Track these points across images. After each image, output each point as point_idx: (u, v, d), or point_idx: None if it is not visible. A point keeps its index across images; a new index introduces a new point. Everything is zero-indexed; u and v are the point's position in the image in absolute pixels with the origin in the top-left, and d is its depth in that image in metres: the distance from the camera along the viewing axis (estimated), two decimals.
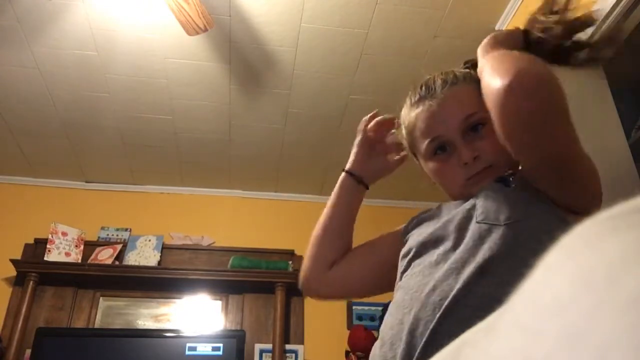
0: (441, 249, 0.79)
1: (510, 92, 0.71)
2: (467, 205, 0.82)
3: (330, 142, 3.13)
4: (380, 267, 1.01)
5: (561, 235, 0.73)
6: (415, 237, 0.88)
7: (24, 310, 2.91)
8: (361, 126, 1.07)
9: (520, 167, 0.85)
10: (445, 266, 0.75)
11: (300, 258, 3.44)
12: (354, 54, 2.50)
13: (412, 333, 0.71)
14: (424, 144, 0.89)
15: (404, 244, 0.92)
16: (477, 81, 0.86)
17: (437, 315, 0.69)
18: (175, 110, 2.87)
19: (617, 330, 0.19)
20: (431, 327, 0.69)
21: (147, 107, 2.84)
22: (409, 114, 0.92)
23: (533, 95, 0.71)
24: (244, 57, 2.51)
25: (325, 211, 1.08)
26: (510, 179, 0.82)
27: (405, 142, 0.97)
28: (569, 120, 0.75)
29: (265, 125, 3.00)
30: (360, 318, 3.30)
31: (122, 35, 2.38)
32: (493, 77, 0.75)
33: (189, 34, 2.13)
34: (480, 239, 0.75)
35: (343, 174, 1.07)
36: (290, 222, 3.57)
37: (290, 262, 3.33)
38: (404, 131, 0.96)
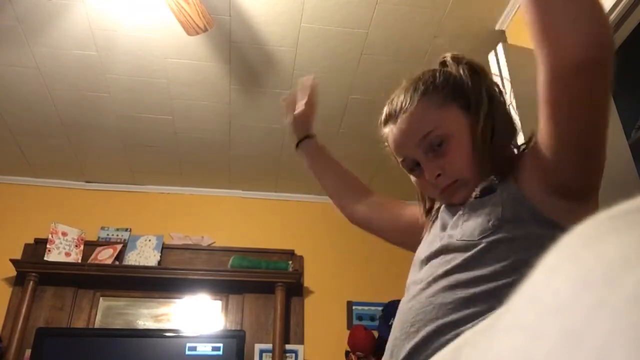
0: (427, 269, 0.82)
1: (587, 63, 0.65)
2: (454, 219, 0.85)
3: (330, 142, 3.11)
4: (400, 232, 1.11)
5: (537, 242, 0.70)
6: (418, 248, 0.92)
7: (24, 310, 2.91)
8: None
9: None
10: (424, 284, 0.79)
11: (301, 258, 3.45)
12: (354, 54, 2.50)
13: (392, 355, 0.77)
14: (399, 161, 0.94)
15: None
16: (440, 90, 0.88)
17: (408, 338, 0.74)
18: (175, 110, 2.87)
19: (617, 330, 0.19)
20: (403, 348, 0.74)
21: (147, 107, 2.84)
22: (383, 131, 0.96)
23: (606, 67, 0.67)
24: (244, 57, 2.51)
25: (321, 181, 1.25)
26: (497, 182, 0.83)
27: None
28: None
29: (265, 125, 3.00)
30: (360, 318, 3.30)
31: (122, 35, 2.38)
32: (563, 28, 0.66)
33: (189, 34, 2.13)
34: (461, 260, 0.77)
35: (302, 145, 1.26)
36: (290, 222, 3.57)
37: (290, 262, 3.33)
38: None
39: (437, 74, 0.91)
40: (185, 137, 3.09)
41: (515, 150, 0.90)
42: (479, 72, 0.91)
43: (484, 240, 0.76)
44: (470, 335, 0.31)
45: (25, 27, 2.34)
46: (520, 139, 0.93)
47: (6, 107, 2.84)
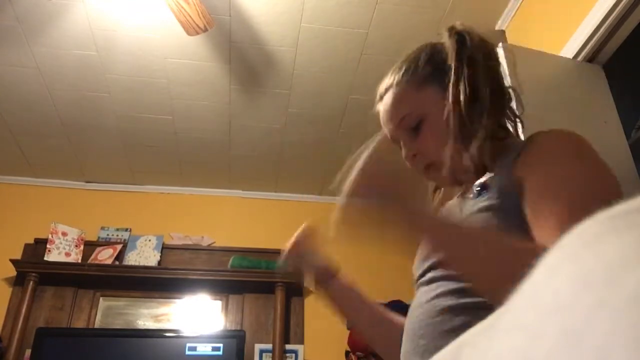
0: (430, 272, 0.81)
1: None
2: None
3: (330, 142, 3.13)
4: None
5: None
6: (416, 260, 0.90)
7: (24, 310, 2.91)
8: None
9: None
10: (426, 287, 0.79)
11: None
12: (354, 54, 2.50)
13: None
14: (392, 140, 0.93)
15: None
16: (421, 70, 0.85)
17: (417, 352, 0.74)
18: (175, 110, 2.87)
19: (617, 330, 0.19)
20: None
21: (147, 107, 2.84)
22: (377, 108, 0.95)
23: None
24: (244, 57, 2.51)
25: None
26: (490, 179, 0.78)
27: None
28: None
29: (265, 125, 3.00)
30: None
31: (122, 35, 2.38)
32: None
33: (189, 34, 2.13)
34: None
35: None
36: (290, 222, 3.54)
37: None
38: None
39: (424, 52, 0.88)
40: (185, 137, 3.09)
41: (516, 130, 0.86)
42: (465, 42, 0.85)
43: None
44: (470, 335, 0.31)
45: (25, 27, 2.34)
46: (520, 130, 0.92)
47: (6, 107, 2.83)
